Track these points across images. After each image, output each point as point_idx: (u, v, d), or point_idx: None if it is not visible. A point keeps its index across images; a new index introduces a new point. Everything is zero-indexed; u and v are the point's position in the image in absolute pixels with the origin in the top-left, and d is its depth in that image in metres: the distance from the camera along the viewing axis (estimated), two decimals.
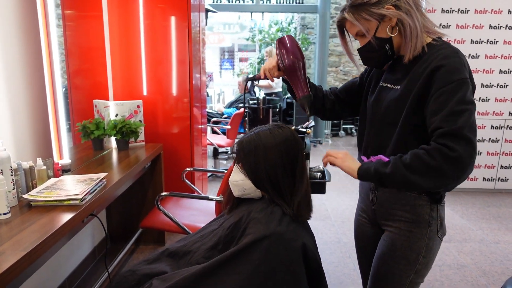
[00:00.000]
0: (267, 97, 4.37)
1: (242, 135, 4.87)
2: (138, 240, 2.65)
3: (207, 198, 1.94)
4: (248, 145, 1.05)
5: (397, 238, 1.09)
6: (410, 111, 0.99)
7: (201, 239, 1.10)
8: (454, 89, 0.92)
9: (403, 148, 0.99)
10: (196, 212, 2.20)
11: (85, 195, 1.39)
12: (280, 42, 1.20)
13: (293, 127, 2.21)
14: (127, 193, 2.35)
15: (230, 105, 5.08)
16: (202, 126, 3.15)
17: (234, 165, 1.10)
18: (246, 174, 1.06)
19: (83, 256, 2.27)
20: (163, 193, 1.98)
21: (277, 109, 4.67)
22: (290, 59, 1.17)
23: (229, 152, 5.13)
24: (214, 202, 2.19)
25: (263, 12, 6.71)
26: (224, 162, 4.92)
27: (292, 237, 0.96)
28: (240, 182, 1.07)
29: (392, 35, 1.01)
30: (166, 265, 1.08)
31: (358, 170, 1.01)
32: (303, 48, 6.83)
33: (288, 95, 5.90)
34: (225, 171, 2.33)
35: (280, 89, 5.27)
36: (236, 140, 5.53)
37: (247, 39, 7.16)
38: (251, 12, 6.75)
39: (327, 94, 1.32)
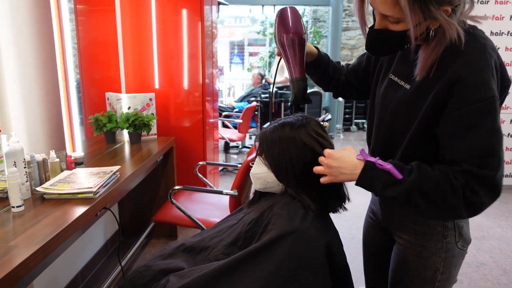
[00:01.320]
0: (279, 91, 4.31)
1: (253, 129, 4.83)
2: (150, 234, 2.64)
3: (221, 192, 1.90)
4: (272, 136, 1.00)
5: (408, 253, 0.98)
6: (423, 126, 0.84)
7: (219, 234, 1.06)
8: (482, 112, 0.76)
9: (410, 161, 0.85)
10: (209, 207, 2.17)
11: (98, 188, 1.36)
12: (280, 12, 1.07)
13: None
14: (140, 186, 2.33)
15: (242, 99, 5.03)
16: (214, 120, 3.12)
17: (256, 157, 1.06)
18: (269, 166, 1.01)
19: (96, 249, 2.26)
20: (177, 187, 1.95)
21: (289, 103, 4.62)
22: (281, 32, 1.03)
23: (240, 147, 5.09)
24: (228, 197, 2.16)
25: (274, 5, 6.62)
26: (235, 156, 4.89)
27: (316, 234, 0.91)
28: (262, 175, 1.03)
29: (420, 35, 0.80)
30: (182, 261, 1.05)
31: (357, 182, 0.86)
32: (315, 42, 6.74)
33: None
34: (239, 165, 2.29)
35: None
36: (249, 134, 5.48)
37: (258, 33, 7.09)
38: (263, 5, 6.67)
39: (340, 72, 1.18)
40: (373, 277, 1.18)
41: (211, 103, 2.94)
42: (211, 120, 2.98)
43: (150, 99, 2.37)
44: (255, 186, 1.06)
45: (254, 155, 2.05)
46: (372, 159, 0.86)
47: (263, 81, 4.98)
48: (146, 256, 2.42)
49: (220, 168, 4.08)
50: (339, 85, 1.19)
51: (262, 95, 4.24)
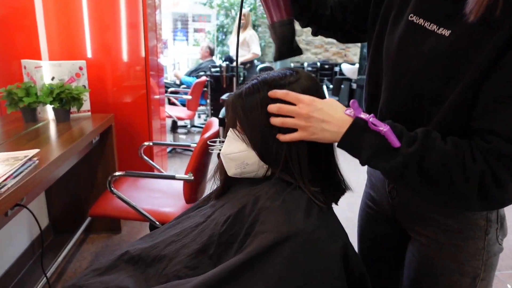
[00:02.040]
0: (230, 65, 3.99)
1: (203, 107, 4.47)
2: (88, 228, 2.26)
3: (173, 178, 1.59)
4: (250, 99, 0.71)
5: (436, 256, 0.75)
6: (474, 89, 0.59)
7: (178, 238, 0.76)
8: None
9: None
10: (159, 195, 1.86)
11: (5, 180, 1.00)
12: None
13: None
14: (72, 174, 1.94)
15: (189, 74, 4.62)
16: (160, 96, 2.76)
17: (227, 131, 0.77)
18: (249, 141, 0.73)
19: (18, 253, 1.85)
20: (117, 173, 1.61)
21: (242, 78, 4.32)
22: None
23: (189, 126, 4.73)
24: (181, 182, 1.86)
25: None
26: (184, 137, 4.53)
27: (327, 236, 0.65)
28: (239, 155, 0.74)
29: None
30: (127, 277, 0.75)
31: (339, 143, 0.66)
32: (265, 15, 6.42)
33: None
34: (193, 145, 1.99)
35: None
36: (198, 113, 5.08)
37: (204, 4, 6.61)
38: None
39: (325, 5, 0.90)
40: (375, 284, 0.91)
41: (156, 78, 2.59)
42: (157, 97, 2.62)
43: (80, 68, 1.95)
44: (229, 170, 0.78)
45: (213, 130, 1.77)
46: (364, 116, 0.65)
47: (214, 57, 4.52)
48: (84, 255, 2.05)
49: (169, 149, 3.71)
50: (322, 21, 0.92)
51: (212, 69, 3.90)
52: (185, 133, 4.64)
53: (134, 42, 2.31)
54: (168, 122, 3.91)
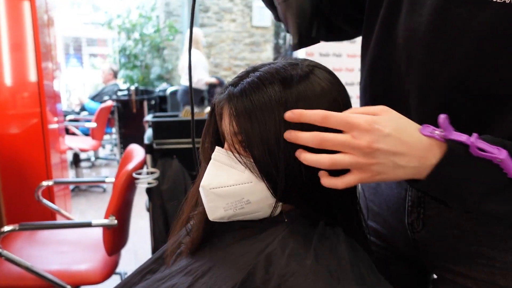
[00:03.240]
0: (138, 87, 3.62)
1: (109, 136, 3.97)
2: None
3: (89, 225, 1.23)
4: (262, 96, 0.47)
5: None
6: None
7: None
8: None
9: None
10: (67, 248, 1.45)
11: None
12: None
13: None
14: None
15: (92, 99, 4.09)
16: (58, 125, 2.31)
17: (213, 153, 0.52)
18: (259, 166, 0.49)
19: None
20: (6, 228, 1.19)
21: (153, 102, 3.97)
22: None
23: (93, 159, 4.15)
24: (99, 229, 1.49)
25: None
26: (88, 171, 3.95)
27: None
28: (235, 189, 0.49)
29: None
30: None
31: (425, 183, 0.45)
32: (170, 37, 6.17)
33: (161, 87, 5.19)
34: (109, 180, 1.64)
35: None
36: (103, 143, 4.52)
37: (102, 25, 6.07)
38: None
39: None
40: None
41: (52, 104, 2.16)
42: (54, 126, 2.18)
43: None
44: (214, 212, 0.52)
45: (138, 159, 1.46)
46: (461, 137, 0.43)
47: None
48: None
49: (71, 188, 3.15)
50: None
51: (119, 93, 3.48)
52: (90, 167, 4.06)
53: (20, 64, 1.94)
54: (69, 155, 3.36)
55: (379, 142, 0.43)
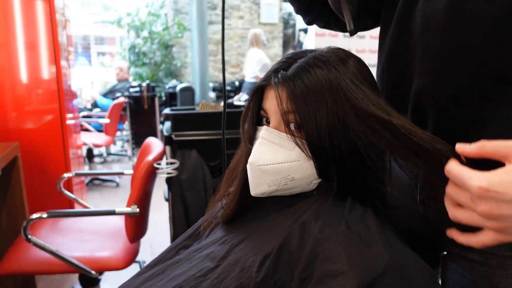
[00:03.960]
0: (150, 84, 3.67)
1: (119, 132, 4.03)
2: None
3: (113, 213, 1.28)
4: (315, 79, 0.51)
5: (499, 275, 0.59)
6: None
7: None
8: None
9: None
10: (89, 237, 1.50)
11: None
12: None
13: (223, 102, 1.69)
14: None
15: (104, 96, 4.15)
16: (75, 121, 2.38)
17: (262, 132, 0.56)
18: (311, 146, 0.52)
19: None
20: (35, 215, 1.24)
21: (164, 98, 4.03)
22: None
23: (105, 154, 4.22)
24: (119, 218, 1.54)
25: None
26: (100, 166, 4.02)
27: (419, 263, 0.49)
28: (282, 166, 0.53)
29: None
30: None
31: None
32: (179, 35, 6.22)
33: (170, 84, 5.24)
34: (128, 172, 1.69)
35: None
36: (115, 139, 4.59)
37: (112, 23, 6.14)
38: None
39: None
40: None
41: (69, 101, 2.23)
42: (71, 122, 2.24)
43: None
44: (258, 188, 0.55)
45: (156, 151, 1.50)
46: None
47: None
48: None
49: (87, 181, 3.22)
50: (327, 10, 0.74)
51: (131, 89, 3.54)
52: (102, 162, 4.13)
53: (38, 61, 2.00)
54: (83, 151, 3.43)
55: (499, 208, 0.39)
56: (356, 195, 0.55)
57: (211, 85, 6.16)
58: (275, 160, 0.54)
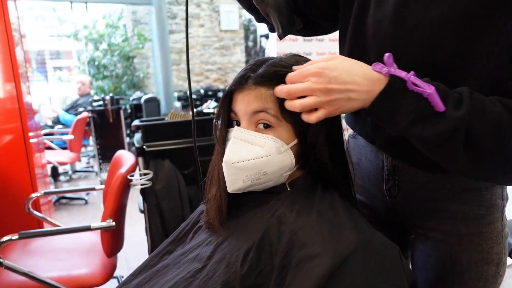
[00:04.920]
0: (115, 96, 3.60)
1: (84, 148, 3.90)
2: None
3: (88, 229, 1.27)
4: (277, 80, 0.59)
5: (458, 250, 0.68)
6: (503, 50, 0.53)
7: None
8: None
9: None
10: (63, 255, 1.47)
11: None
12: None
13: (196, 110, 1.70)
14: None
15: (67, 110, 4.01)
16: (38, 139, 2.30)
17: (233, 131, 0.61)
18: (296, 130, 0.60)
19: None
20: (5, 238, 1.21)
21: (129, 110, 3.95)
22: None
23: (70, 172, 4.08)
24: (94, 234, 1.52)
25: (86, 2, 5.69)
26: (67, 184, 3.88)
27: (384, 242, 0.56)
28: (254, 162, 0.58)
29: None
30: None
31: (370, 109, 0.55)
32: (140, 46, 6.13)
33: (134, 95, 5.17)
34: (100, 187, 1.67)
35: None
36: (81, 155, 4.41)
37: (69, 36, 5.95)
38: (71, 2, 5.63)
39: None
40: None
41: (30, 119, 2.16)
42: (34, 140, 2.17)
43: None
44: (234, 184, 0.60)
45: (129, 163, 1.49)
46: (401, 73, 0.53)
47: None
48: None
49: (53, 200, 3.10)
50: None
51: (94, 103, 3.45)
52: (67, 181, 3.99)
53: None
54: (47, 169, 3.30)
55: (331, 82, 0.54)
56: (325, 184, 0.60)
57: (176, 94, 6.11)
58: (248, 156, 0.59)
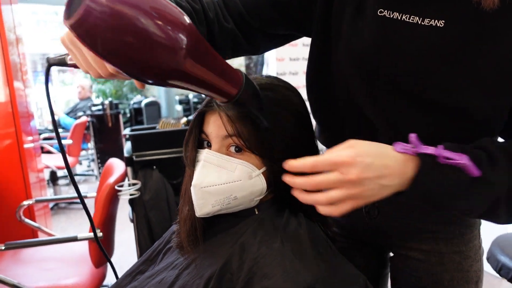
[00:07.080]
0: (114, 101, 3.62)
1: (85, 152, 3.93)
2: None
3: (75, 239, 1.27)
4: (275, 92, 0.60)
5: (439, 269, 0.68)
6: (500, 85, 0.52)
7: None
8: None
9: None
10: (52, 265, 1.47)
11: None
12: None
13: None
14: None
15: (68, 114, 4.04)
16: (34, 144, 2.31)
17: (203, 154, 0.58)
18: (272, 157, 0.57)
19: None
20: None
21: (129, 115, 3.97)
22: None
23: None
24: (83, 243, 1.52)
25: None
26: (66, 188, 3.90)
27: (351, 274, 0.54)
28: (225, 187, 0.56)
29: None
30: None
31: (410, 192, 0.50)
32: None
33: (135, 99, 5.19)
34: (92, 195, 1.66)
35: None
36: (80, 159, 4.45)
37: None
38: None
39: (217, 18, 0.68)
40: None
41: (26, 123, 2.16)
42: (29, 146, 2.18)
43: None
44: (202, 209, 0.58)
45: (118, 172, 1.49)
46: (428, 149, 0.48)
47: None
48: None
49: (50, 206, 3.12)
50: (223, 36, 0.70)
51: (93, 108, 3.47)
52: (67, 184, 4.01)
53: None
54: (45, 174, 3.32)
55: (365, 172, 0.47)
56: (293, 209, 0.59)
57: (177, 98, 6.11)
58: (218, 181, 0.57)
